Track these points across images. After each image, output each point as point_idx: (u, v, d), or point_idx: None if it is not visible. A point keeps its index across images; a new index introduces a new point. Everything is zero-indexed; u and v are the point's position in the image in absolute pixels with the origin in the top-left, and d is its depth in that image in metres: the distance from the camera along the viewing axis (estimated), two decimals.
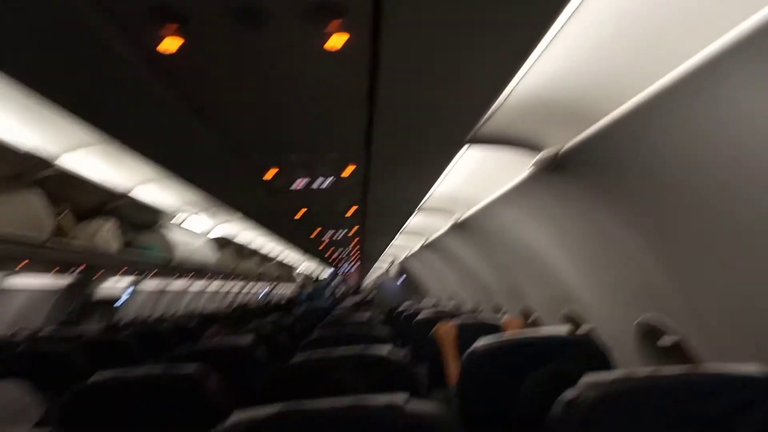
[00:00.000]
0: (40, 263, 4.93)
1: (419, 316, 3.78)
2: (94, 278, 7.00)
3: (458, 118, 1.83)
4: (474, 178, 3.29)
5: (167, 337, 4.82)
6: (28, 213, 3.97)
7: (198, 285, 11.84)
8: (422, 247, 6.84)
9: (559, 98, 1.88)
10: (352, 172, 2.46)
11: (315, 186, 2.67)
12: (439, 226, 5.25)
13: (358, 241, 6.00)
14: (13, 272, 5.61)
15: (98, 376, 1.86)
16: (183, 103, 1.58)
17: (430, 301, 7.46)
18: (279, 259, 14.98)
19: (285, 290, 22.13)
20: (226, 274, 10.52)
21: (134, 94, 1.53)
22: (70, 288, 7.15)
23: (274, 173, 2.37)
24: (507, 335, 2.03)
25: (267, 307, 10.76)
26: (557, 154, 2.16)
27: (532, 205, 2.87)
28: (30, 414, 1.33)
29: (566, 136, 2.05)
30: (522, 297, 4.11)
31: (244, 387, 2.44)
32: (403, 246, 8.37)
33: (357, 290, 16.82)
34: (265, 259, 13.73)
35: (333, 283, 16.03)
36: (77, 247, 4.67)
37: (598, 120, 1.84)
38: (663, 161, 1.73)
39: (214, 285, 12.78)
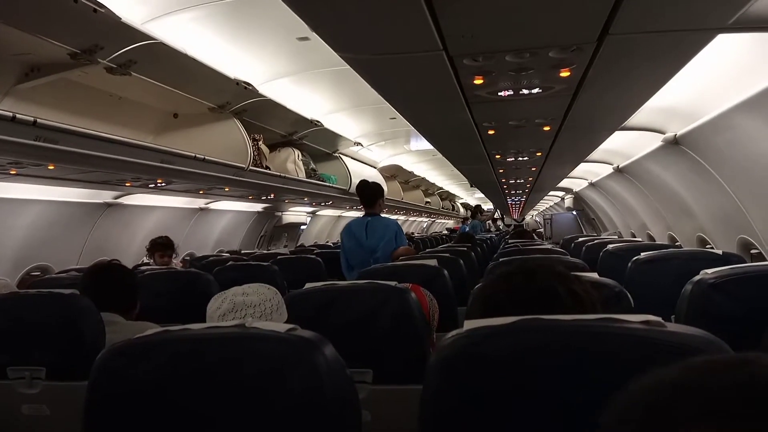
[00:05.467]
0: (241, 189, 5.47)
1: (609, 247, 3.54)
2: (284, 203, 7.65)
3: None
4: (705, 82, 2.87)
5: None
6: (232, 141, 4.38)
7: None
8: (609, 175, 6.36)
9: None
10: (565, 79, 2.24)
11: (519, 97, 2.50)
12: (636, 148, 4.79)
13: (535, 169, 5.73)
14: (218, 197, 6.34)
15: (309, 286, 2.00)
16: None
17: (609, 236, 7.00)
18: (442, 191, 15.14)
19: (445, 223, 22.47)
20: (393, 205, 10.89)
21: None
22: (263, 213, 7.95)
23: (480, 82, 2.25)
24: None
25: (434, 238, 10.97)
26: None
27: None
28: (282, 311, 1.46)
29: None
30: (742, 228, 3.63)
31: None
32: (580, 176, 7.88)
33: (519, 225, 16.46)
34: (429, 191, 13.96)
35: (495, 217, 15.86)
36: (271, 174, 5.09)
37: None
38: None
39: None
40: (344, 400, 1.02)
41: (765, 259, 3.40)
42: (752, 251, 3.65)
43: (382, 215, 3.86)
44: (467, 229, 10.13)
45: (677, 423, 0.36)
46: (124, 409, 1.03)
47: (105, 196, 5.09)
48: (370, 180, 4.11)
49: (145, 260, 4.57)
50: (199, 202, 6.58)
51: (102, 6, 2.49)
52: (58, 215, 4.75)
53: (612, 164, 5.93)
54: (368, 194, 3.81)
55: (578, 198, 10.19)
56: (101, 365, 1.05)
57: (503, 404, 0.90)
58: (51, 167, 3.49)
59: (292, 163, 5.74)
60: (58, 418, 1.79)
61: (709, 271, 1.71)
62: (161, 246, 4.26)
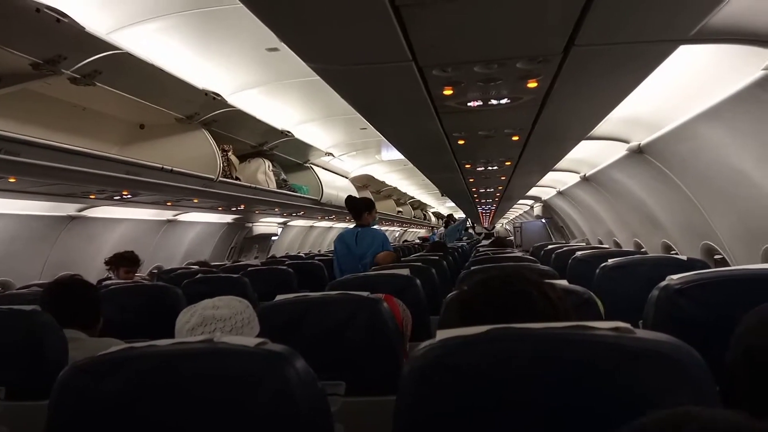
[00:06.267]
0: (210, 200, 5.40)
1: (577, 254, 3.59)
2: (254, 214, 7.57)
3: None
4: (669, 92, 2.94)
5: (320, 269, 5.10)
6: (200, 152, 4.32)
7: (339, 225, 12.45)
8: (576, 184, 6.48)
9: None
10: (533, 89, 2.28)
11: (488, 107, 2.53)
12: (602, 157, 4.89)
13: (504, 178, 5.81)
14: (187, 209, 6.25)
15: (280, 298, 1.98)
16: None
17: (577, 243, 7.13)
18: (414, 200, 15.21)
19: (417, 232, 22.57)
20: None
21: None
22: (233, 224, 7.85)
23: (449, 92, 2.27)
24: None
25: (406, 247, 11.00)
26: None
27: (751, 119, 2.50)
28: (254, 325, 1.44)
29: None
30: (706, 234, 3.72)
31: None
32: (549, 184, 8.02)
33: (490, 233, 16.65)
34: (401, 200, 14.01)
35: (467, 225, 15.98)
36: (241, 185, 5.03)
37: None
38: None
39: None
40: (316, 413, 1.01)
41: (728, 265, 3.50)
42: (716, 257, 3.75)
43: (373, 227, 4.32)
44: (435, 237, 10.11)
45: None
46: (88, 428, 0.99)
47: (68, 208, 4.96)
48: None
49: (110, 276, 4.42)
50: (167, 214, 6.46)
51: (65, 16, 2.44)
52: (19, 229, 4.61)
53: (579, 173, 6.05)
54: (355, 208, 4.26)
55: (547, 206, 10.35)
56: (63, 383, 1.01)
57: (477, 413, 0.90)
58: (12, 180, 3.38)
59: (262, 173, 5.69)
60: None
61: (675, 276, 1.74)
62: (126, 261, 4.09)
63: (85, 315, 2.05)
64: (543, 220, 11.52)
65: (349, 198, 4.35)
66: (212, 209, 6.52)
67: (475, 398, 0.91)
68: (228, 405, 0.98)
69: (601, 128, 3.63)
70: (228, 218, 7.65)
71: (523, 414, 0.88)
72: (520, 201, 12.00)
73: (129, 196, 4.58)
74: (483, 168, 4.94)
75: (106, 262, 4.12)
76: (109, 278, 4.21)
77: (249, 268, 4.49)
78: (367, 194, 10.56)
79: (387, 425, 0.94)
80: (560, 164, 5.39)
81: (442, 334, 0.97)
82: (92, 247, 5.55)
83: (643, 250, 5.30)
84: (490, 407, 0.90)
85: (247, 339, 1.05)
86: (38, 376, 1.68)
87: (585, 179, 5.97)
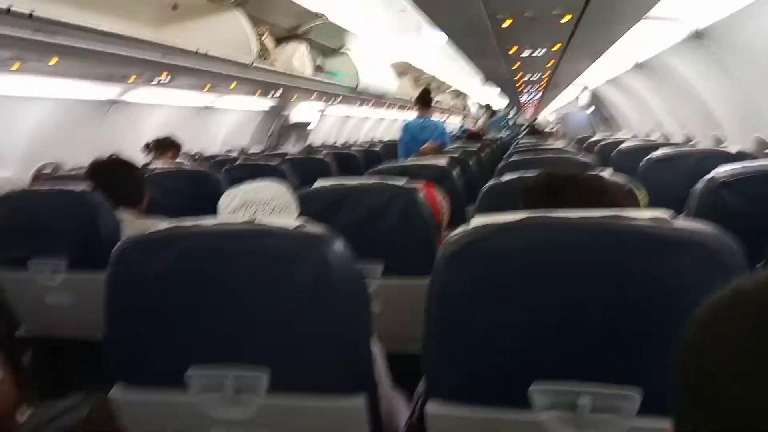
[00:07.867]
0: (247, 85, 5.34)
1: (623, 146, 3.48)
2: (291, 101, 7.49)
3: None
4: None
5: (356, 159, 5.11)
6: (235, 35, 4.21)
7: (376, 114, 12.25)
8: (628, 71, 6.13)
9: None
10: None
11: None
12: (658, 43, 4.58)
13: (553, 63, 5.53)
14: (225, 94, 6.22)
15: (318, 184, 2.01)
16: None
17: (625, 134, 6.87)
18: (454, 88, 14.70)
19: (457, 122, 22.09)
20: (403, 104, 10.65)
21: None
22: (269, 112, 7.82)
23: None
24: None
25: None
26: None
27: None
28: (293, 208, 1.48)
29: None
30: (760, 127, 3.54)
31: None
32: (598, 72, 7.61)
33: (532, 125, 16.20)
34: (441, 87, 13.56)
35: (510, 116, 15.52)
36: (278, 69, 4.94)
37: None
38: None
39: (391, 114, 13.07)
40: (354, 292, 1.05)
41: None
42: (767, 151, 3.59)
43: (433, 118, 4.99)
44: (465, 127, 9.86)
45: None
46: (141, 297, 1.07)
47: (110, 93, 4.99)
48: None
49: (152, 161, 4.49)
50: (205, 101, 6.46)
51: None
52: (64, 113, 4.69)
53: (632, 60, 5.70)
54: (424, 99, 4.93)
55: (594, 95, 9.90)
56: (118, 257, 1.07)
57: (507, 297, 0.93)
58: (53, 62, 3.41)
59: (298, 58, 5.55)
60: (80, 307, 1.88)
61: (722, 169, 1.68)
62: (166, 146, 4.13)
63: (130, 194, 2.11)
64: (589, 111, 11.06)
65: (424, 91, 5.00)
66: (249, 94, 6.47)
67: (505, 283, 0.93)
68: (268, 282, 1.03)
69: (658, 9, 3.35)
70: (265, 106, 7.61)
71: (553, 301, 0.90)
72: (566, 90, 11.48)
73: (166, 80, 4.57)
74: (529, 53, 4.71)
75: (147, 147, 4.17)
76: (152, 163, 4.31)
77: (287, 156, 4.53)
78: (405, 81, 10.24)
79: (421, 306, 0.98)
80: (613, 50, 5.07)
81: (476, 221, 0.98)
82: (135, 132, 5.64)
83: (692, 142, 5.09)
84: (521, 292, 0.92)
85: (287, 220, 1.08)
86: (94, 251, 1.79)
87: (638, 66, 5.64)
